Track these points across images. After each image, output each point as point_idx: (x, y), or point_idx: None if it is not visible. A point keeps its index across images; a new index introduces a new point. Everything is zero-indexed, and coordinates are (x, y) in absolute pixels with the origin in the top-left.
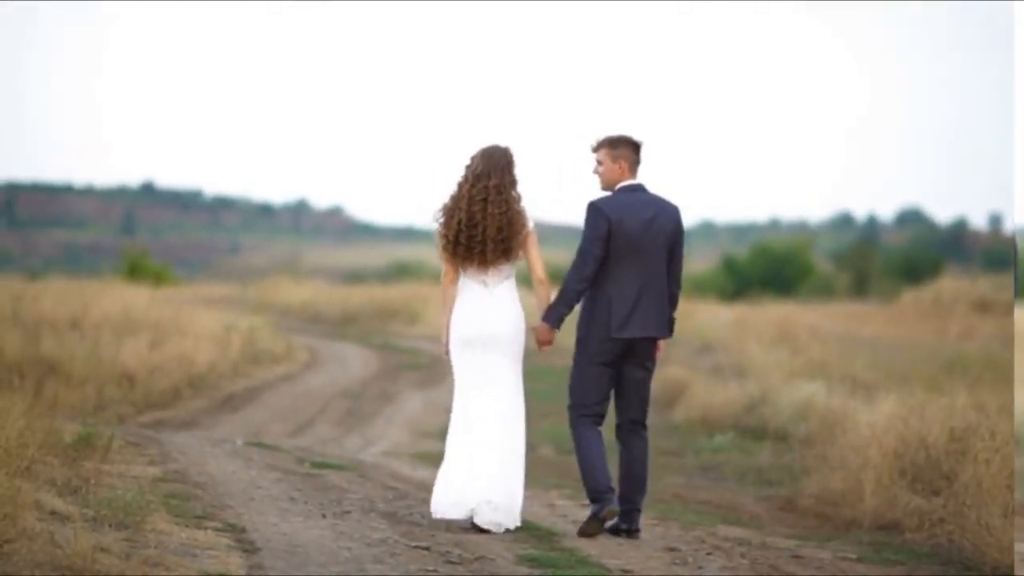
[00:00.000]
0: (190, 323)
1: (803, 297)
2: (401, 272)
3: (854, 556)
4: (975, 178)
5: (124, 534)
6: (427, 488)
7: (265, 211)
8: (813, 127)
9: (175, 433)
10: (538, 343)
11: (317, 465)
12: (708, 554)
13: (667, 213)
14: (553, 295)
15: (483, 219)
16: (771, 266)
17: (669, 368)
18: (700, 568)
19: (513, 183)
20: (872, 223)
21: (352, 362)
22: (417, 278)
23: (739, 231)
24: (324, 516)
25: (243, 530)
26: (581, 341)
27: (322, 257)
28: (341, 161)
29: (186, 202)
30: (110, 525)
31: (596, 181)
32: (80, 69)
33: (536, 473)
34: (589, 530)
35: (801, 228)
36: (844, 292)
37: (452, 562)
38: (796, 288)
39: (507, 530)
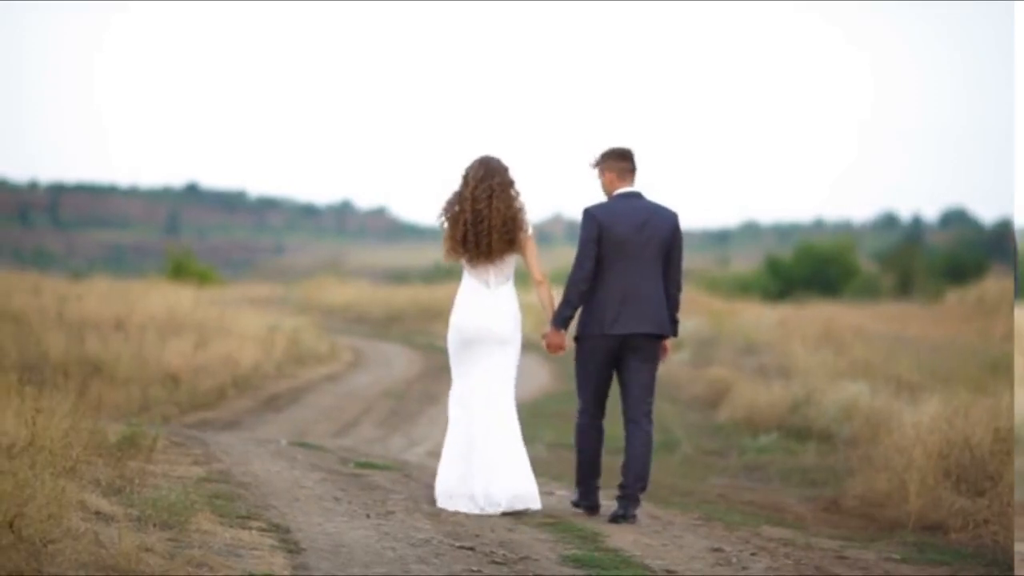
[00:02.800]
0: (234, 324)
1: (847, 297)
2: (445, 272)
3: (898, 557)
4: (1021, 178)
5: (168, 534)
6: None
7: (309, 212)
8: (857, 127)
9: (219, 433)
10: (549, 348)
11: (361, 465)
12: (753, 554)
13: (661, 219)
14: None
15: (489, 214)
16: (815, 266)
17: (713, 368)
18: (745, 568)
19: (512, 183)
20: (917, 223)
21: (396, 362)
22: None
23: (783, 231)
24: (368, 516)
25: (287, 530)
26: (579, 339)
27: (366, 257)
28: (385, 162)
29: (230, 203)
30: (154, 525)
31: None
32: (125, 69)
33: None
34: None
35: (845, 228)
36: (888, 292)
37: (496, 562)
38: (840, 288)
39: (526, 510)
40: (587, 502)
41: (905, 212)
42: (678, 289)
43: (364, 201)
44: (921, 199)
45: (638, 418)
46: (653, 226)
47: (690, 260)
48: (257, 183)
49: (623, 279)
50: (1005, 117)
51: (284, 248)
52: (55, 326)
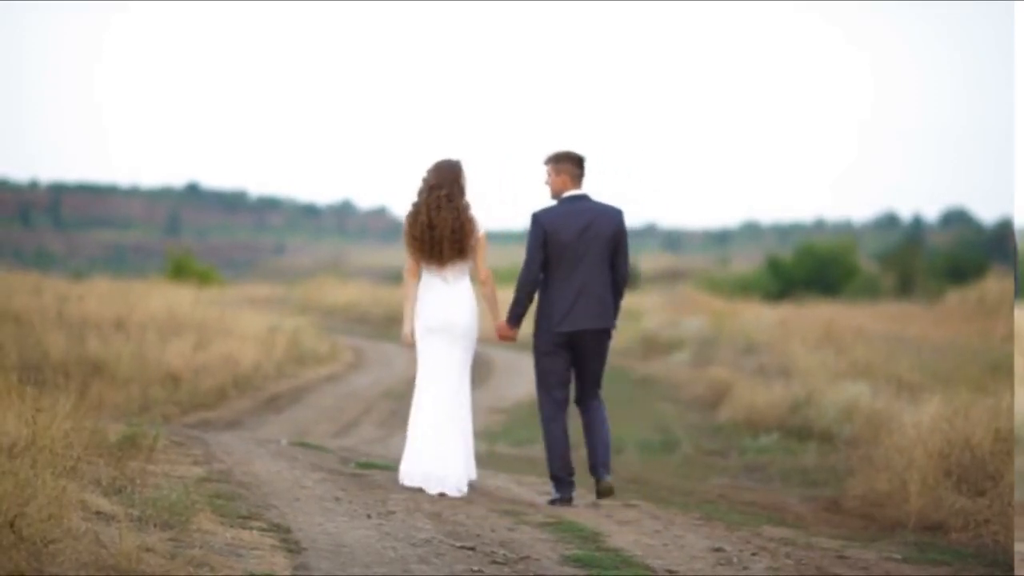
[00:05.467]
0: (235, 324)
1: (848, 298)
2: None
3: (899, 557)
4: (1021, 178)
5: (169, 534)
6: (473, 489)
7: (310, 212)
8: (857, 127)
9: (220, 433)
10: (501, 337)
11: (362, 465)
12: (753, 554)
13: (605, 218)
14: (502, 295)
15: (439, 223)
16: (816, 267)
17: (713, 369)
18: (745, 568)
19: (461, 193)
20: (917, 223)
21: (396, 363)
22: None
23: (784, 232)
24: (369, 516)
25: (288, 530)
26: (535, 336)
27: (367, 257)
28: (386, 161)
29: (231, 203)
30: (155, 525)
31: (547, 191)
32: (125, 69)
33: (581, 474)
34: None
35: (846, 228)
36: (889, 293)
37: (497, 562)
38: (841, 289)
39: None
40: (562, 494)
41: (905, 212)
42: (624, 281)
43: (365, 201)
44: (921, 199)
45: (589, 402)
46: (597, 227)
47: (691, 260)
48: (258, 183)
49: (570, 279)
50: (1005, 117)
51: (285, 248)
52: (56, 326)
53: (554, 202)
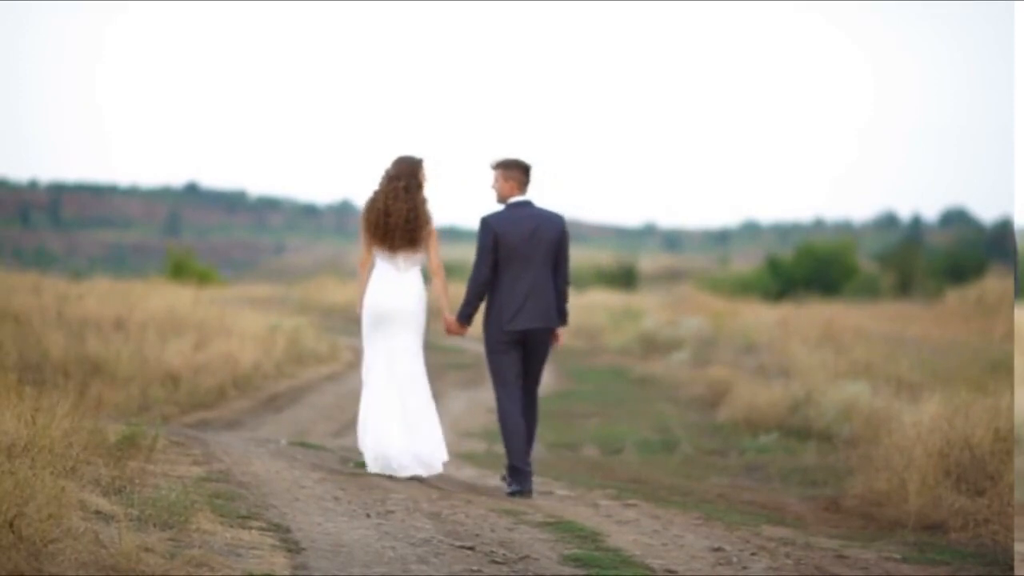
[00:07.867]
0: (234, 323)
1: (847, 297)
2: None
3: (899, 556)
4: (1021, 178)
5: (169, 534)
6: (472, 488)
7: (309, 211)
8: (858, 127)
9: (219, 433)
10: (448, 332)
11: (361, 465)
12: (753, 554)
13: (549, 224)
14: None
15: (394, 212)
16: (815, 266)
17: (713, 368)
18: (745, 568)
19: (418, 187)
20: (916, 223)
21: None
22: (460, 277)
23: (783, 231)
24: (368, 516)
25: (287, 530)
26: (486, 334)
27: None
28: (385, 161)
29: (231, 202)
30: (155, 525)
31: (493, 195)
32: (125, 69)
33: (581, 473)
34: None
35: (845, 228)
36: (888, 292)
37: (496, 562)
38: (840, 288)
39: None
40: (521, 487)
41: (905, 212)
42: (566, 283)
43: (364, 201)
44: (921, 199)
45: (529, 392)
46: (542, 232)
47: (691, 260)
48: (257, 183)
49: (520, 281)
50: (1005, 117)
51: (284, 248)
52: (55, 326)
53: (500, 206)
